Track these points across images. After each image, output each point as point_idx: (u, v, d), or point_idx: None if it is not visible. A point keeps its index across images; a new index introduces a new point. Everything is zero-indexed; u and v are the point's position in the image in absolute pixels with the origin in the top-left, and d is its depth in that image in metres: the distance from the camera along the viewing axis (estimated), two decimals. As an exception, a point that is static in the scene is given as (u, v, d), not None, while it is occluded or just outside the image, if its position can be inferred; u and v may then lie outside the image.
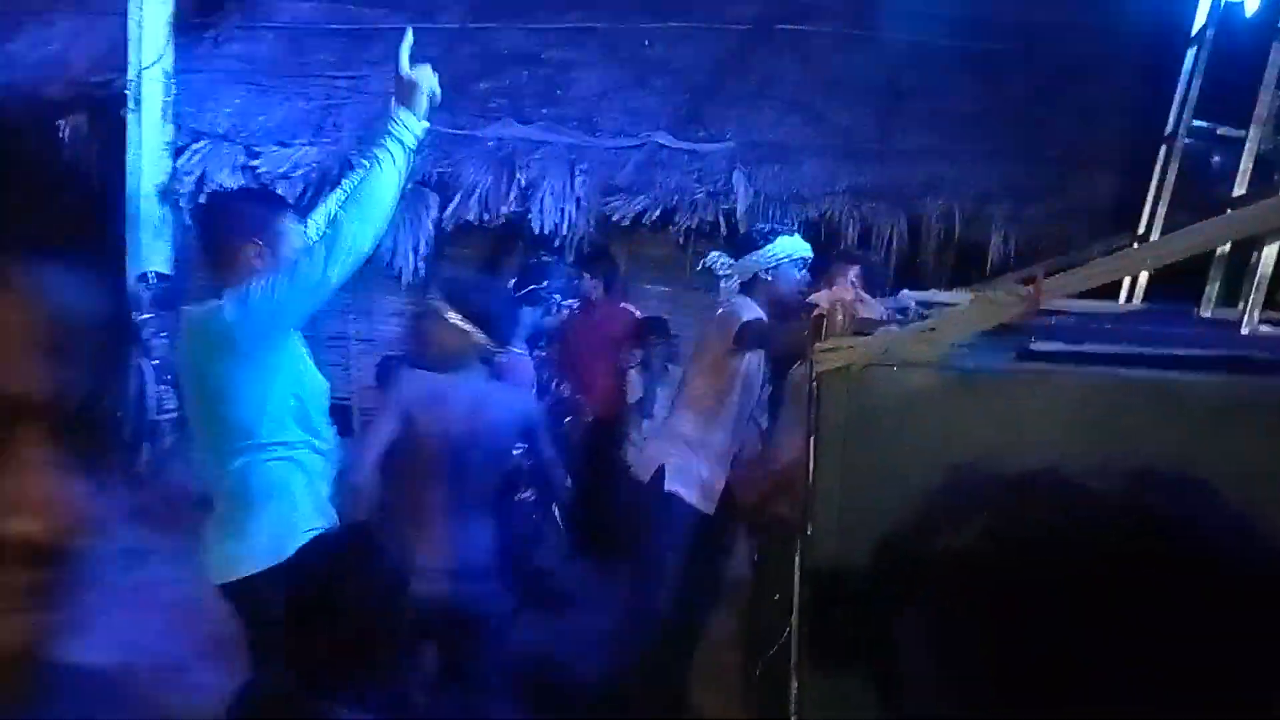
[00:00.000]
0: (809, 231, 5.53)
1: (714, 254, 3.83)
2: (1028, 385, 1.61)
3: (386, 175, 2.37)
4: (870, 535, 0.74)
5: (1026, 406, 1.61)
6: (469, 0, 7.34)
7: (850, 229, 5.44)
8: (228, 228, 2.53)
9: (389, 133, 2.40)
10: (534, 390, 4.32)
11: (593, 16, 7.05)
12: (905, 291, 2.74)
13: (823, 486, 1.59)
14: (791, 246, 3.63)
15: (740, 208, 5.69)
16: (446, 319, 2.89)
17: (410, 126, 2.41)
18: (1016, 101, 5.81)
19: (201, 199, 5.90)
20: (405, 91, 2.43)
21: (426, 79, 2.45)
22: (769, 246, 3.60)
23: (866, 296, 2.75)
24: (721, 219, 5.60)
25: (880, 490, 1.48)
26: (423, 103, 2.44)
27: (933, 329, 1.48)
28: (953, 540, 0.66)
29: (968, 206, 5.45)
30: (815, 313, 1.59)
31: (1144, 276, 2.77)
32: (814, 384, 1.56)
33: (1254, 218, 1.91)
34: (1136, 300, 2.82)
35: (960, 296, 2.89)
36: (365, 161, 2.45)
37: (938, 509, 0.70)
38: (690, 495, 3.55)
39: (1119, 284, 2.82)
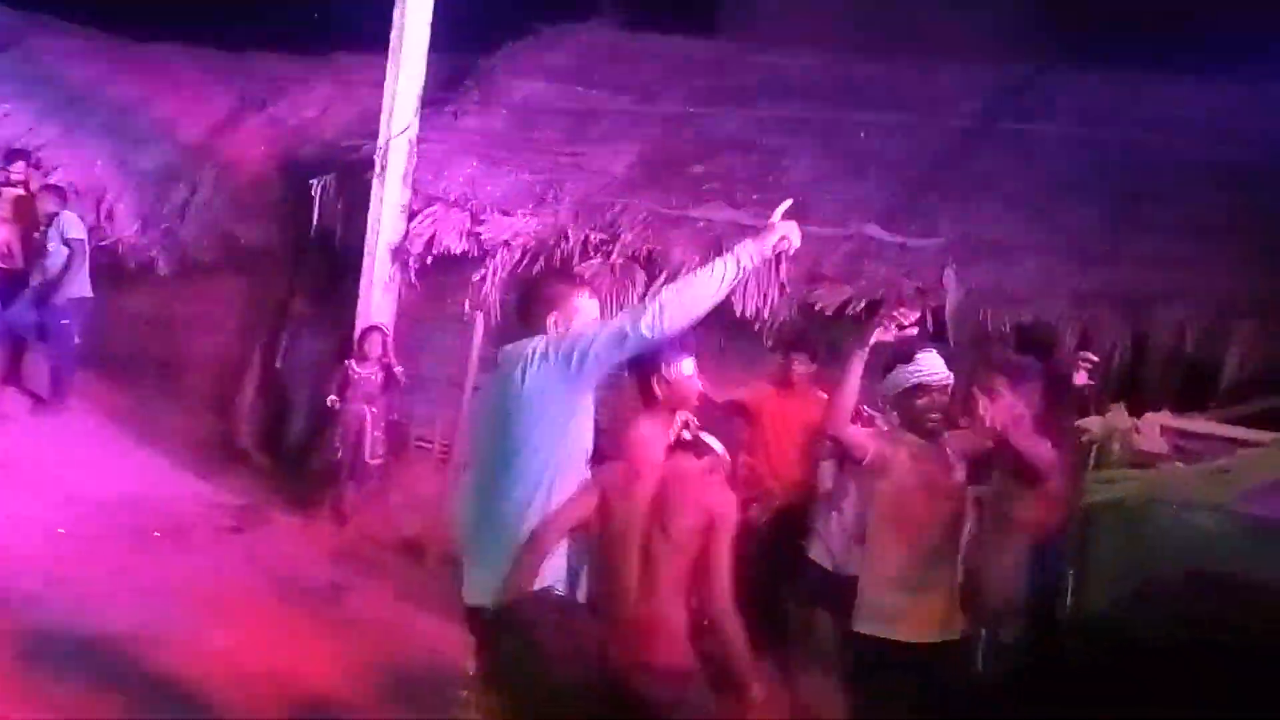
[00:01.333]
0: (1023, 335, 5.34)
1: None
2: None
3: (715, 280, 2.68)
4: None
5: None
6: (689, 86, 7.60)
7: (1068, 335, 5.19)
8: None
9: (734, 250, 2.75)
10: None
11: (809, 107, 7.14)
12: (1149, 415, 2.60)
13: (1086, 620, 1.52)
14: (931, 366, 3.51)
15: (950, 305, 5.55)
16: None
17: (752, 257, 2.75)
18: (1264, 214, 5.44)
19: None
20: (765, 233, 2.79)
21: (787, 230, 2.79)
22: (909, 366, 3.50)
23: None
24: (929, 315, 5.45)
25: (1150, 627, 1.41)
26: (770, 246, 2.78)
27: (1225, 470, 1.39)
28: None
29: (1205, 320, 5.10)
30: (1086, 437, 1.54)
31: None
32: (1082, 514, 1.49)
33: None
34: None
35: (1213, 427, 2.71)
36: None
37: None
38: (875, 628, 3.40)
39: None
